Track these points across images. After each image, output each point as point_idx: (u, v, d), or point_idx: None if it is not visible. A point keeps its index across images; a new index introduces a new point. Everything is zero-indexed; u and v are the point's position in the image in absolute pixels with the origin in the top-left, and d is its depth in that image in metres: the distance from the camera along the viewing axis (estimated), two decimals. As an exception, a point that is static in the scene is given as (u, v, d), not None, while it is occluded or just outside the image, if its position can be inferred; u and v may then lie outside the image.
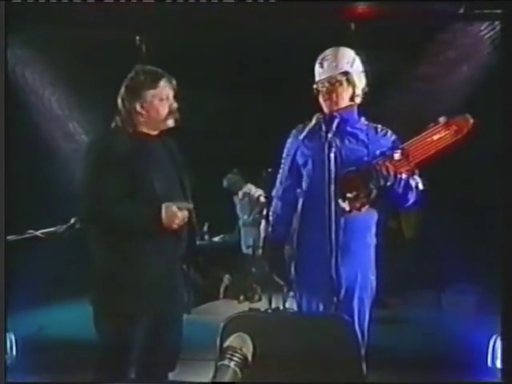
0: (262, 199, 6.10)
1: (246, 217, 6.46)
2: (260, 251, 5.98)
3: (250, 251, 6.27)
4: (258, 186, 6.30)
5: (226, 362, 0.94)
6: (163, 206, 2.25)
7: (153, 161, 2.34)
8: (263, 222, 5.73)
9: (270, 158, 2.98)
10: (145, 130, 2.36)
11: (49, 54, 5.36)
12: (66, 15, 4.56)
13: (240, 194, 6.48)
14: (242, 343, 0.96)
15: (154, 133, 2.39)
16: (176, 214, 2.26)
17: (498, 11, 4.38)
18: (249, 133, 6.35)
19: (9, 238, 2.67)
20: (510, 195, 2.38)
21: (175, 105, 2.36)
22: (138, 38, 4.88)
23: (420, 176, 2.46)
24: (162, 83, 2.33)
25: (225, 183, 6.49)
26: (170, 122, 2.37)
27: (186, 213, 2.31)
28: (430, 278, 5.47)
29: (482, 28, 4.92)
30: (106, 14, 4.50)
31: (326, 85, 2.52)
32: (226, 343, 0.95)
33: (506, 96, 2.42)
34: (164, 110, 2.34)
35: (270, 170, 3.70)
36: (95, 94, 5.19)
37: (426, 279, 5.51)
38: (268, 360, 1.10)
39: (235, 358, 0.94)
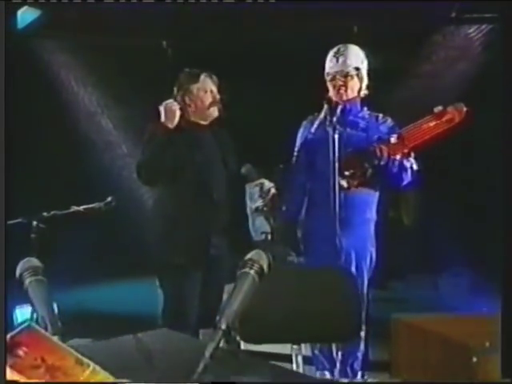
0: (273, 190, 6.16)
1: (252, 204, 6.49)
2: (270, 236, 6.07)
3: (262, 237, 6.33)
4: (270, 181, 6.37)
5: (246, 269, 1.01)
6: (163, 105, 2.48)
7: (200, 145, 2.55)
8: (276, 208, 5.79)
9: (283, 154, 3.07)
10: (195, 119, 2.59)
11: (88, 59, 5.55)
12: (104, 25, 4.75)
13: (254, 183, 6.57)
14: (259, 257, 1.05)
15: (204, 123, 2.60)
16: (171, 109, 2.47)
17: (487, 15, 4.50)
18: (264, 129, 6.37)
19: (54, 212, 2.81)
20: (508, 181, 2.42)
21: (218, 96, 2.58)
22: (164, 42, 5.03)
23: (416, 159, 2.53)
24: (203, 77, 2.57)
25: (243, 170, 6.53)
26: (214, 111, 2.57)
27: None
28: (427, 262, 5.50)
29: (472, 30, 5.02)
30: (138, 22, 4.67)
31: (341, 78, 2.60)
32: (247, 257, 1.04)
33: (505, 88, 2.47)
34: (208, 100, 2.56)
35: (281, 165, 3.79)
36: (128, 94, 5.34)
37: (424, 263, 5.54)
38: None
39: (254, 267, 1.02)
